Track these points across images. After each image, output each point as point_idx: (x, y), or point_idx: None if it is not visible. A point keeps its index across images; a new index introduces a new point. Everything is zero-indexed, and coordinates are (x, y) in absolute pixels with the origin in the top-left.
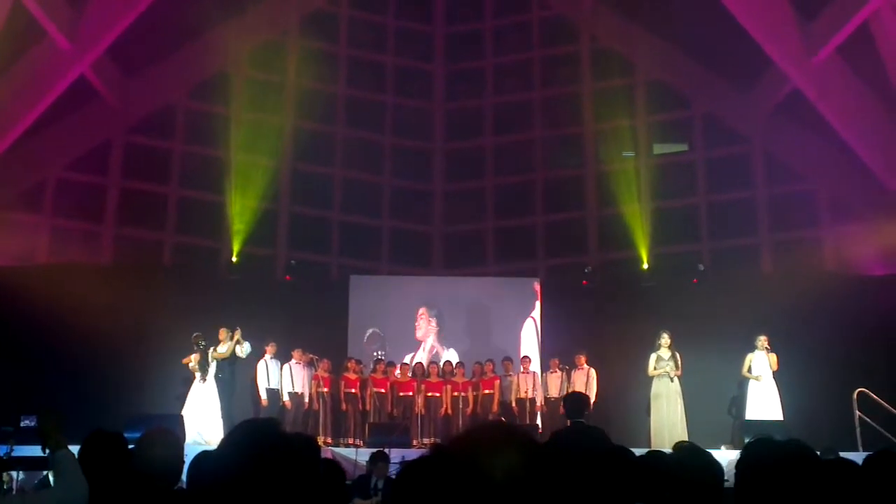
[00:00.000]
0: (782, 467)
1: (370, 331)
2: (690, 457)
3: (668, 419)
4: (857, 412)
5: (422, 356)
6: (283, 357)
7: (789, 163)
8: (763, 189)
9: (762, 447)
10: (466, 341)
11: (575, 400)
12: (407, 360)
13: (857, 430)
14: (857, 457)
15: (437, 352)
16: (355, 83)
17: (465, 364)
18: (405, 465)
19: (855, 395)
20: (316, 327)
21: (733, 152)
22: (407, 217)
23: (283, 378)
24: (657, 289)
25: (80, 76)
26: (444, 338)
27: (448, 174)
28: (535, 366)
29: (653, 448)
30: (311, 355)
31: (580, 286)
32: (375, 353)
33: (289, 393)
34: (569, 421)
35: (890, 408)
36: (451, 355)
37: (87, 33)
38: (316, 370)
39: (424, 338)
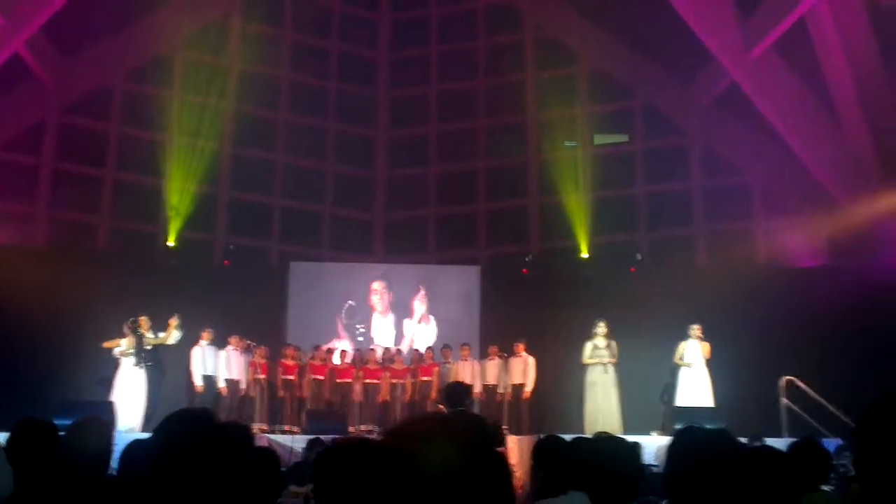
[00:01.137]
0: (708, 455)
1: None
2: (608, 445)
3: (602, 406)
4: (784, 399)
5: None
6: (219, 343)
7: (725, 155)
8: (699, 180)
9: (690, 435)
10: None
11: (453, 390)
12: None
13: (783, 416)
14: (782, 442)
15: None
16: (299, 68)
17: (403, 351)
18: (328, 449)
19: (782, 383)
20: (254, 314)
21: (672, 144)
22: (349, 203)
23: (220, 364)
24: (596, 277)
25: (15, 54)
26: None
27: (391, 161)
28: (475, 353)
29: (587, 433)
30: (248, 341)
31: (520, 274)
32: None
33: (225, 380)
34: (448, 409)
35: (815, 395)
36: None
37: (22, 10)
38: (253, 357)
39: (385, 312)
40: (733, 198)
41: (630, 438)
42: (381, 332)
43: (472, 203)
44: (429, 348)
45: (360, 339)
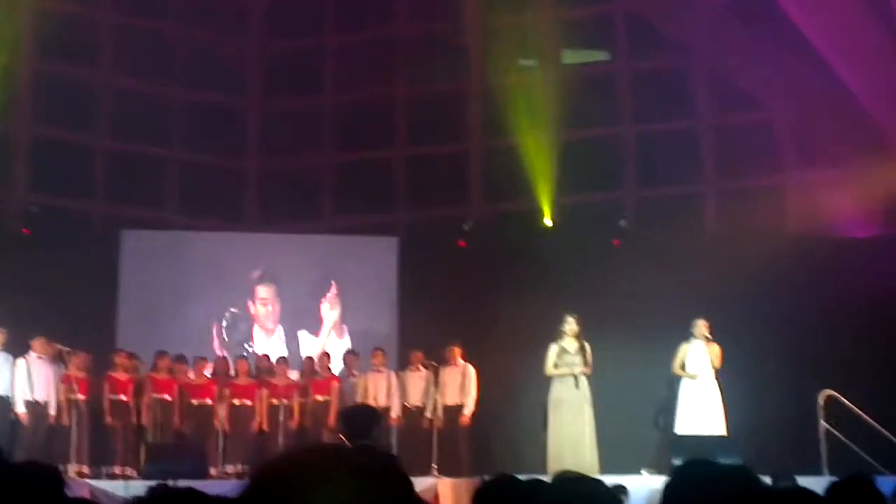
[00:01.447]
0: (720, 500)
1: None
2: (579, 490)
3: (572, 435)
4: (824, 423)
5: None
6: (17, 349)
7: (741, 83)
8: (707, 118)
9: (695, 473)
10: (293, 326)
11: (356, 415)
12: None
13: (822, 446)
14: (821, 482)
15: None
16: None
17: (289, 359)
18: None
19: (821, 401)
20: (69, 304)
21: (667, 66)
22: (208, 146)
23: (18, 379)
24: (563, 254)
25: None
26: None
27: (268, 85)
28: (392, 361)
29: (549, 472)
30: (59, 346)
31: (455, 249)
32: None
33: (26, 401)
34: (350, 443)
35: (866, 417)
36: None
37: None
38: (66, 368)
39: (273, 327)
40: (754, 142)
41: (611, 480)
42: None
43: (386, 147)
44: (324, 354)
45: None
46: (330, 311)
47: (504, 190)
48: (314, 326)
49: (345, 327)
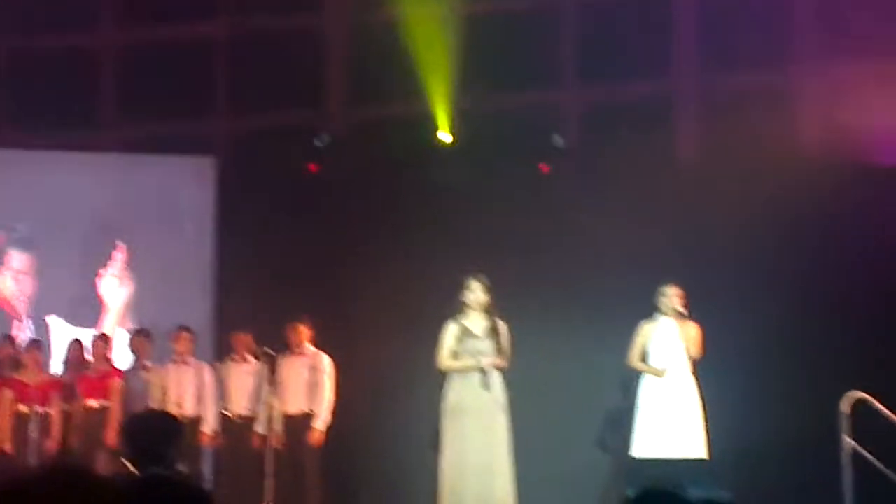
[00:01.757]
0: None
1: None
2: None
3: (476, 458)
4: (847, 438)
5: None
6: None
7: None
8: None
9: None
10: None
11: (146, 429)
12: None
13: (847, 474)
14: None
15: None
16: None
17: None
18: None
19: (846, 407)
20: None
21: None
22: None
23: None
24: (466, 185)
25: None
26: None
27: None
28: (204, 348)
29: None
30: None
31: (303, 176)
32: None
33: None
34: (137, 470)
35: None
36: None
37: None
38: None
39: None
40: (753, 21)
41: None
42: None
43: (200, 20)
44: (101, 337)
45: None
46: (117, 288)
47: (377, 87)
48: (84, 313)
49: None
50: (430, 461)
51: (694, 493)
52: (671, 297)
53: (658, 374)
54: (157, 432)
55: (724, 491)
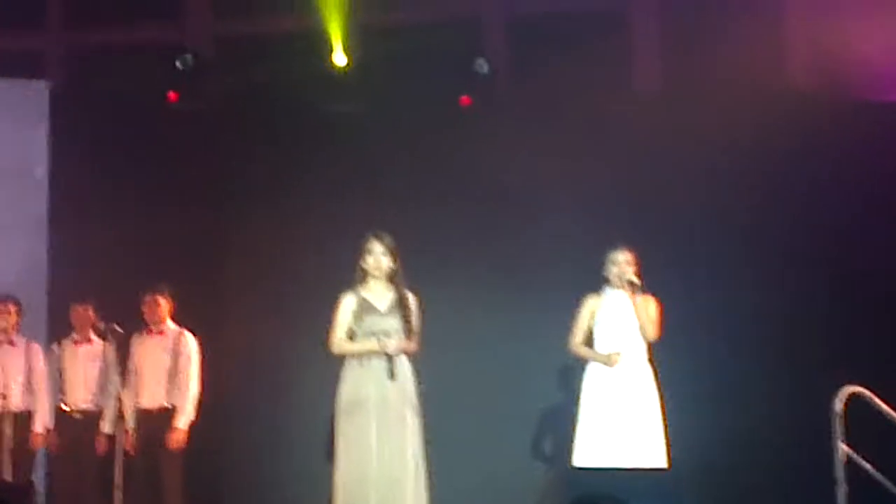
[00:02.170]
0: None
1: None
2: None
3: (379, 465)
4: (842, 444)
5: None
6: None
7: None
8: None
9: None
10: None
11: None
12: None
13: (841, 489)
14: None
15: None
16: None
17: None
18: None
19: (840, 403)
20: None
21: None
22: None
23: None
24: (367, 119)
25: None
26: None
27: None
28: (35, 324)
29: None
30: None
31: (161, 106)
32: None
33: None
34: None
35: None
36: None
37: None
38: None
39: None
40: None
41: None
42: None
43: None
44: None
45: None
46: None
47: None
48: None
49: None
50: (321, 470)
51: None
52: (623, 264)
53: (607, 361)
54: None
55: None
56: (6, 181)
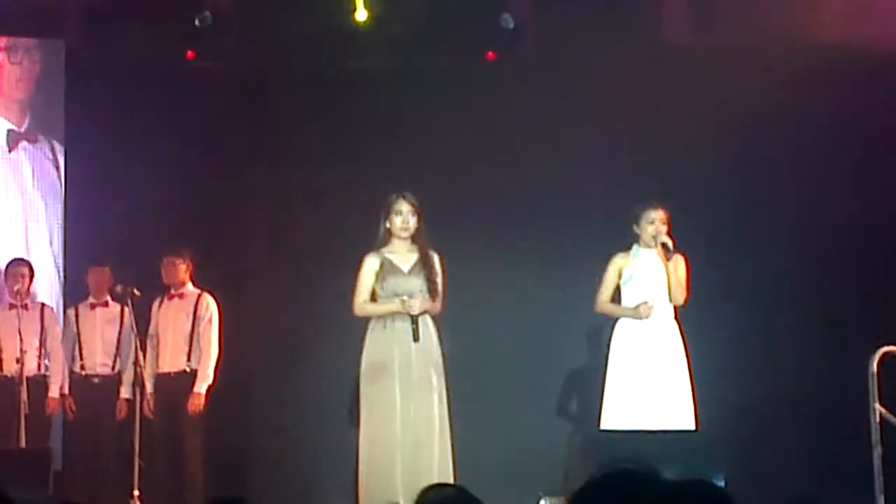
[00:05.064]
0: None
1: None
2: None
3: (405, 428)
4: (878, 406)
5: None
6: None
7: None
8: None
9: (614, 496)
10: None
11: None
12: None
13: (877, 452)
14: None
15: None
16: None
17: None
18: None
19: (875, 364)
20: None
21: None
22: None
23: None
24: (390, 76)
25: None
26: None
27: None
28: (49, 287)
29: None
30: None
31: (180, 65)
32: None
33: None
34: None
35: None
36: None
37: None
38: None
39: None
40: None
41: None
42: None
43: None
44: None
45: None
46: None
47: None
48: None
49: None
50: (345, 434)
51: (675, 473)
52: (654, 222)
53: (636, 314)
54: None
55: (716, 471)
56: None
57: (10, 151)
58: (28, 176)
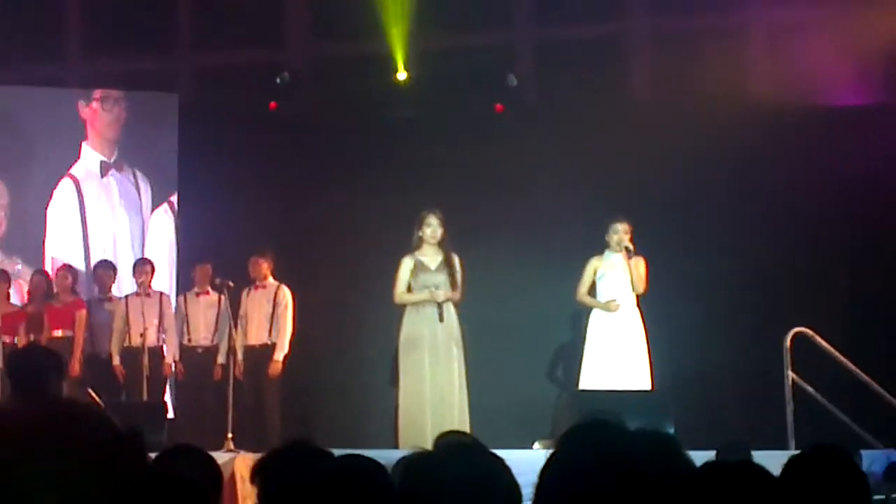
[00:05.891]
0: (622, 480)
1: None
2: (457, 464)
3: (432, 389)
4: (791, 374)
5: None
6: None
7: None
8: None
9: (591, 440)
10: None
11: (24, 363)
12: None
13: (790, 409)
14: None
15: None
16: None
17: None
18: None
19: (788, 341)
20: None
21: None
22: None
23: None
24: (423, 123)
25: None
26: None
27: None
28: (167, 280)
29: (402, 447)
30: None
31: (264, 112)
32: None
33: None
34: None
35: (852, 366)
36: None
37: None
38: None
39: None
40: None
41: None
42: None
43: None
44: (65, 268)
45: None
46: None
47: (337, 26)
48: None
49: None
50: (388, 392)
51: (637, 423)
52: (620, 233)
53: (606, 308)
54: (35, 364)
55: (667, 422)
56: (148, 177)
57: (101, 177)
58: (116, 196)
